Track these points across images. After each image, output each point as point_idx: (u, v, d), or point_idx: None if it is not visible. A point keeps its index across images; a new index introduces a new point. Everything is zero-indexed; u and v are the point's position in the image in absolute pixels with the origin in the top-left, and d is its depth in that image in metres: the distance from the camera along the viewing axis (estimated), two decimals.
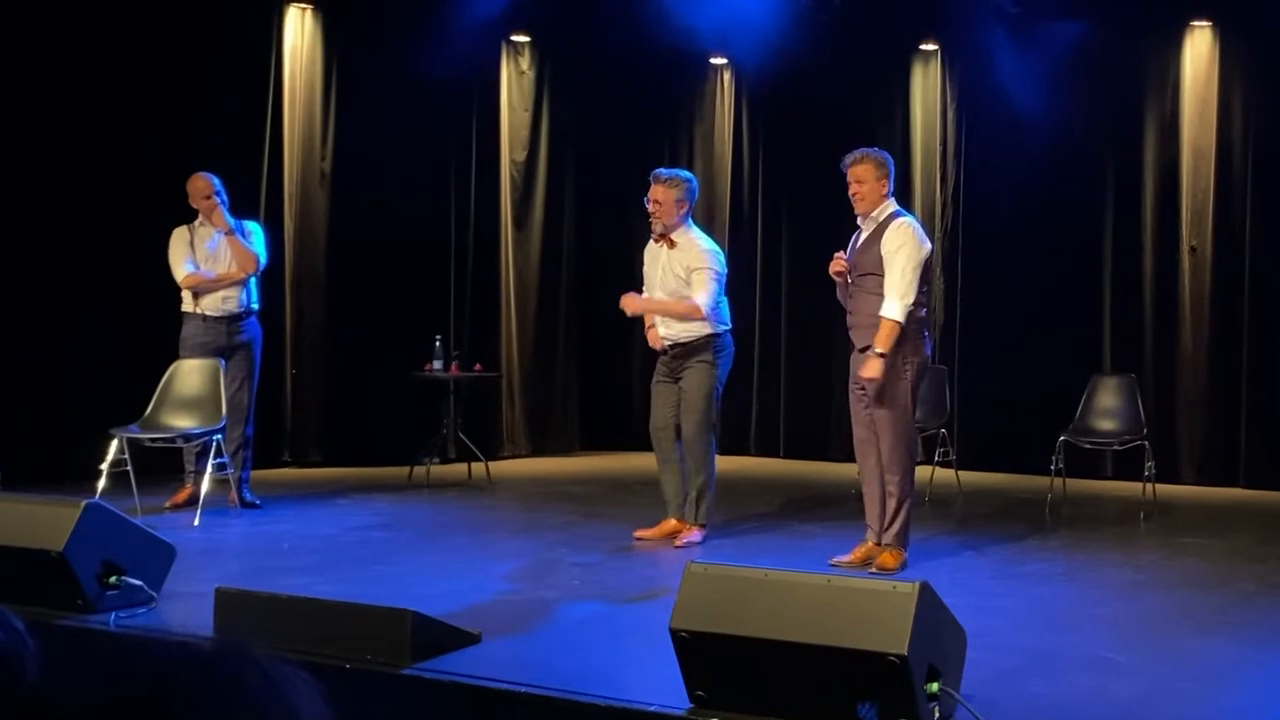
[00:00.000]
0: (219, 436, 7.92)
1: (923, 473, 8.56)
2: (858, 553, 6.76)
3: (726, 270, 7.46)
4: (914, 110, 11.11)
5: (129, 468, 7.64)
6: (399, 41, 10.34)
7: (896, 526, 6.63)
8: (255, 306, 8.39)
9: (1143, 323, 10.33)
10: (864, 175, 6.66)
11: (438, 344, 9.89)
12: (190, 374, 8.10)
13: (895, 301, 6.46)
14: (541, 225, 11.53)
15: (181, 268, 8.15)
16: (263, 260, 8.35)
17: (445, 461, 10.23)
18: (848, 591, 4.13)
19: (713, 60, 11.79)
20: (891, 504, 6.62)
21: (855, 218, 6.81)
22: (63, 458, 8.61)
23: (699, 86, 11.92)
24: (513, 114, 11.34)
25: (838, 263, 6.74)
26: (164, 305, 8.40)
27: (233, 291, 8.23)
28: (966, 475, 9.69)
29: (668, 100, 11.89)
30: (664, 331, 7.36)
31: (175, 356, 8.19)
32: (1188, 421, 10.16)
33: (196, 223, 8.25)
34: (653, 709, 4.24)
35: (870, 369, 6.44)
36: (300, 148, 10.23)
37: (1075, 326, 10.45)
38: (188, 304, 8.21)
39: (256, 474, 8.59)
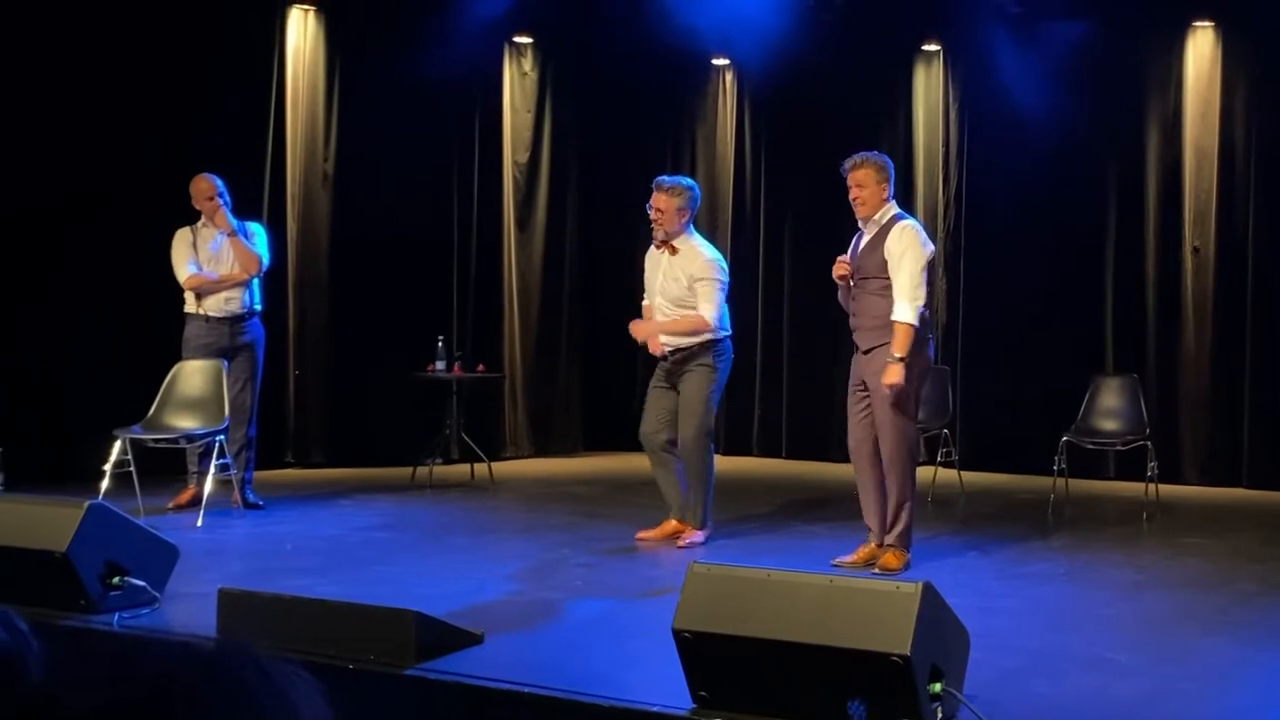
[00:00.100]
0: (222, 437, 7.92)
1: (925, 473, 8.57)
2: (860, 553, 6.77)
3: (729, 277, 7.47)
4: (916, 111, 11.10)
5: (132, 468, 7.64)
6: (401, 43, 10.35)
7: (899, 527, 6.64)
8: (258, 307, 8.39)
9: (1145, 323, 10.32)
10: (864, 180, 6.67)
11: (440, 345, 9.90)
12: (193, 375, 8.11)
13: (906, 305, 6.47)
14: (544, 226, 11.53)
15: (184, 269, 8.15)
16: (265, 261, 8.35)
17: (448, 462, 10.23)
18: (850, 592, 4.13)
19: (715, 61, 11.79)
20: (893, 505, 6.63)
21: (856, 219, 6.82)
22: (65, 459, 8.62)
23: (701, 87, 11.92)
24: (515, 115, 11.34)
25: (841, 266, 6.75)
26: (165, 306, 8.41)
27: (235, 292, 8.23)
28: (969, 475, 9.69)
29: (670, 101, 11.89)
30: (664, 338, 7.36)
31: (177, 357, 8.20)
32: (1190, 422, 10.16)
33: (199, 224, 8.25)
34: (655, 709, 4.25)
35: (891, 375, 6.44)
36: (303, 149, 10.23)
37: (1078, 327, 10.44)
38: (190, 305, 8.22)
39: (259, 475, 8.60)
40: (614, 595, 6.19)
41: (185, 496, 8.16)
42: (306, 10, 10.24)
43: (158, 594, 5.52)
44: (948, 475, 9.46)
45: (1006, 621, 5.60)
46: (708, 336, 7.31)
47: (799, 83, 11.16)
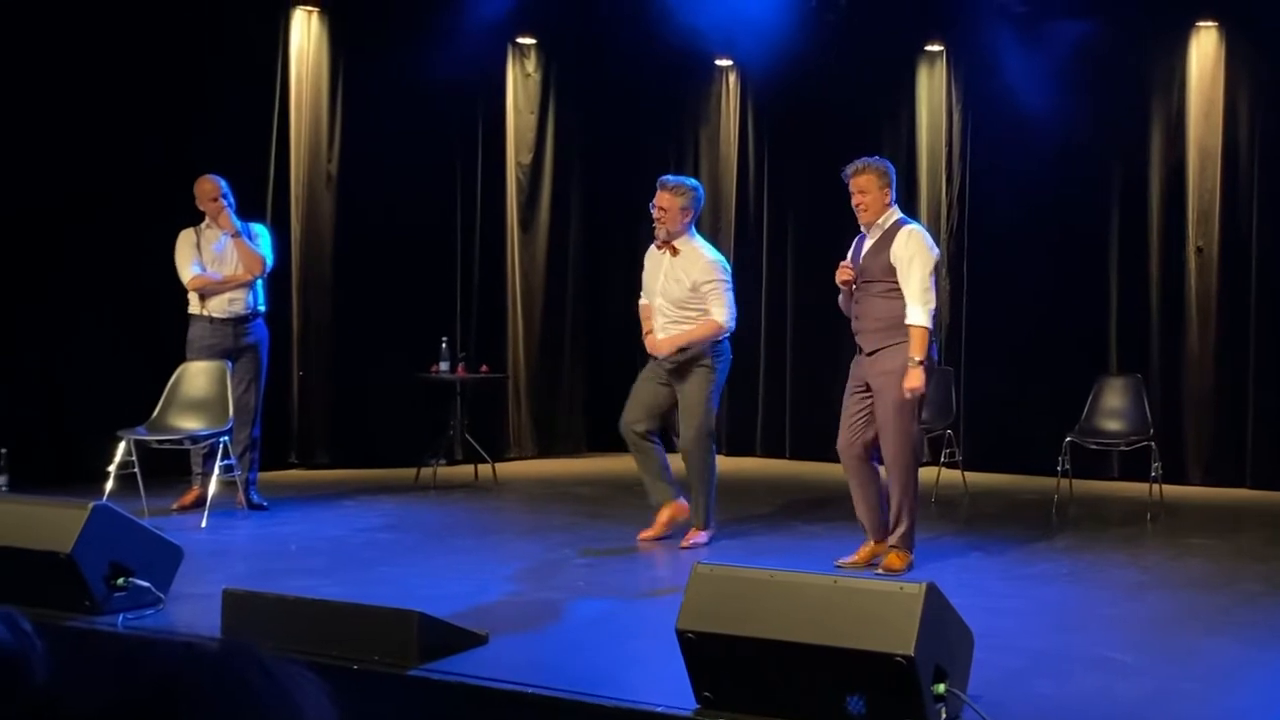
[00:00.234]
0: (226, 438, 7.93)
1: (929, 474, 8.57)
2: (861, 553, 6.78)
3: (732, 276, 7.48)
4: (919, 111, 11.10)
5: (136, 469, 7.65)
6: (405, 44, 10.35)
7: (902, 528, 6.64)
8: (262, 308, 8.40)
9: (1149, 323, 10.32)
10: (867, 185, 6.68)
11: (444, 346, 9.90)
12: (197, 376, 8.12)
13: (919, 308, 6.50)
14: (547, 227, 11.54)
15: (188, 270, 8.16)
16: (269, 262, 8.36)
17: (452, 463, 10.24)
18: (854, 592, 4.14)
19: (718, 62, 11.79)
20: (896, 505, 6.63)
21: (859, 223, 6.83)
22: (69, 460, 8.63)
23: (704, 88, 11.92)
24: (518, 116, 11.35)
25: (844, 272, 6.75)
26: (167, 306, 8.42)
27: (239, 293, 8.24)
28: (973, 476, 9.68)
29: (673, 102, 11.89)
30: (664, 338, 7.34)
31: (180, 358, 8.20)
32: (1194, 422, 10.15)
33: (203, 225, 8.26)
34: (659, 710, 4.25)
35: (914, 379, 6.46)
36: (307, 150, 10.24)
37: (1081, 327, 10.44)
38: (194, 306, 8.23)
39: (263, 476, 8.61)
40: (618, 596, 6.19)
41: (189, 497, 8.16)
42: (310, 11, 10.25)
43: (162, 595, 5.52)
44: (951, 476, 9.45)
45: (1010, 622, 5.60)
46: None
47: (802, 83, 11.15)
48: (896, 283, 6.59)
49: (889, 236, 6.65)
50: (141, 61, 9.14)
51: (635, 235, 10.38)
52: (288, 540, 7.45)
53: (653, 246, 7.53)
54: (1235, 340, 10.03)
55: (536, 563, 6.90)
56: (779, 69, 11.12)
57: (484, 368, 10.31)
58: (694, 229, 7.48)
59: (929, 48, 11.05)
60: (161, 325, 8.60)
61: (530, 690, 4.44)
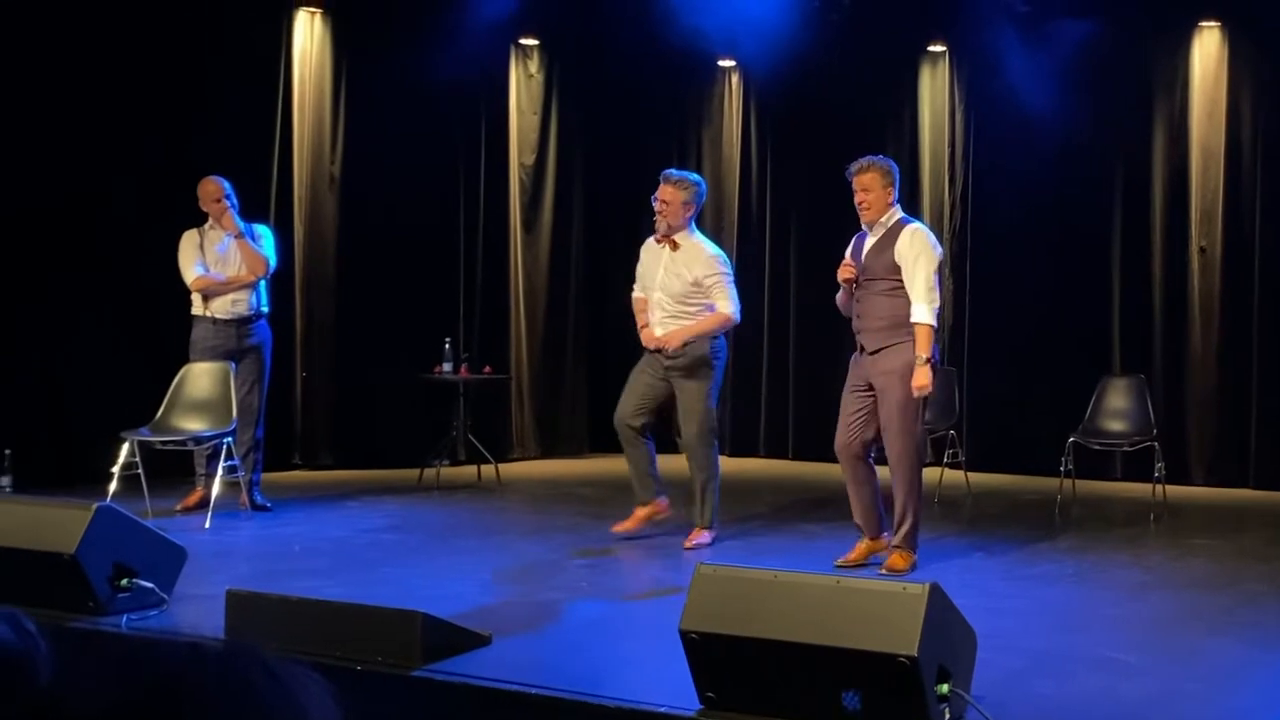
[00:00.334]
0: (229, 439, 7.93)
1: (931, 474, 8.57)
2: (858, 550, 6.78)
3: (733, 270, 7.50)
4: (922, 111, 11.10)
5: (140, 470, 7.66)
6: (408, 45, 10.36)
7: (906, 527, 6.64)
8: (265, 310, 8.41)
9: (1152, 324, 10.32)
10: (870, 184, 6.68)
11: (447, 346, 9.91)
12: (201, 377, 8.12)
13: (925, 306, 6.51)
14: (550, 228, 11.55)
15: (191, 271, 8.17)
16: (272, 263, 8.36)
17: (455, 464, 10.24)
18: (857, 593, 4.14)
19: (721, 62, 11.80)
20: (900, 505, 6.63)
21: (861, 221, 6.83)
22: (73, 461, 8.63)
23: (707, 89, 11.92)
24: (521, 117, 11.35)
25: (847, 269, 6.75)
26: (169, 307, 8.42)
27: (242, 295, 8.25)
28: (975, 476, 9.68)
29: (676, 103, 11.90)
30: (661, 333, 7.34)
31: (183, 359, 8.21)
32: (1197, 422, 10.15)
33: (206, 226, 8.26)
34: (662, 710, 4.25)
35: (920, 377, 6.47)
36: (310, 151, 10.25)
37: (1084, 327, 10.44)
38: (197, 307, 8.23)
39: (267, 477, 8.61)
40: (621, 596, 6.20)
41: (193, 498, 8.17)
42: (313, 13, 10.26)
43: (166, 596, 5.53)
44: (954, 476, 9.45)
45: (1013, 622, 5.60)
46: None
47: (805, 84, 11.15)
48: (899, 281, 6.59)
49: (892, 235, 6.65)
50: (143, 62, 9.15)
51: (638, 235, 10.32)
52: (291, 541, 7.45)
53: (651, 239, 7.53)
54: (1238, 340, 10.03)
55: (540, 563, 6.91)
56: (781, 69, 11.12)
57: (487, 368, 10.32)
58: (694, 225, 7.48)
59: (931, 48, 11.05)
60: (162, 325, 8.61)
61: (533, 691, 4.44)
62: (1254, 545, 7.75)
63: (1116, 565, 7.08)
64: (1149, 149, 10.33)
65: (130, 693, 1.04)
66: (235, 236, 8.19)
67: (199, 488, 8.22)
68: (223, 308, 8.21)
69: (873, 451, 6.80)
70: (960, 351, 10.74)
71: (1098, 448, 9.15)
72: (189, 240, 8.23)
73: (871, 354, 6.67)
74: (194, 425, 8.01)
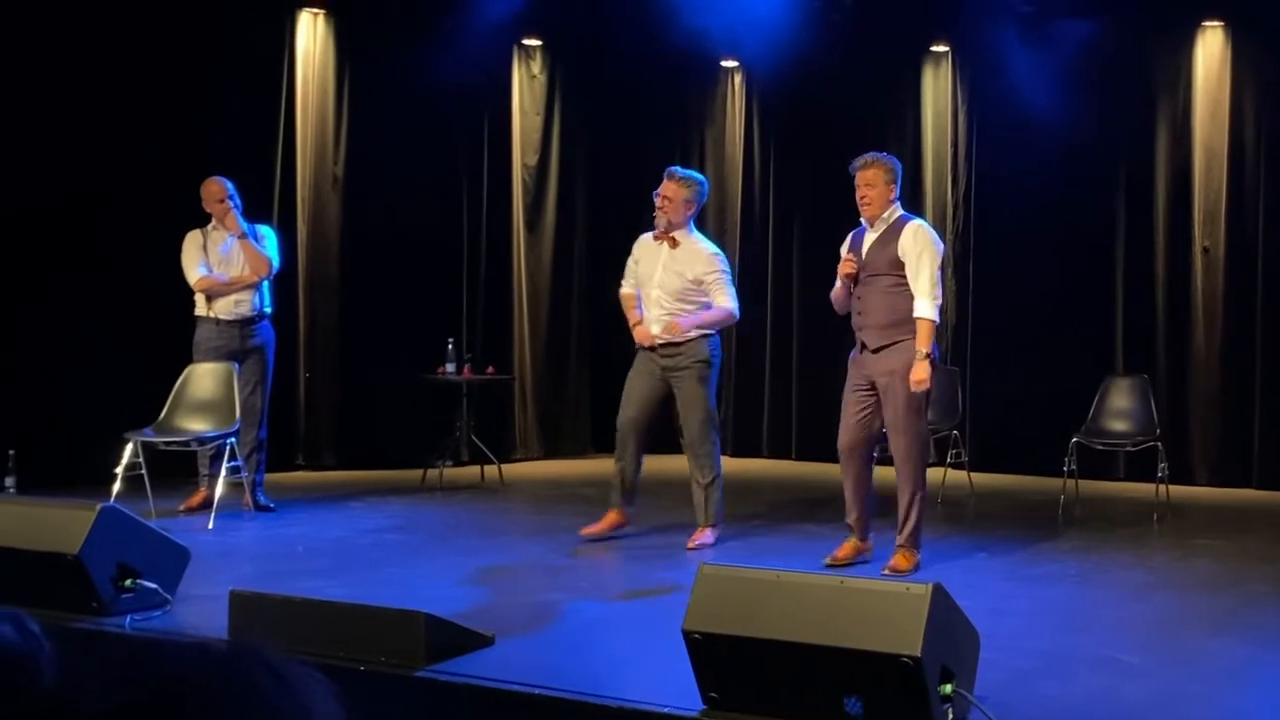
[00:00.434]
0: (233, 440, 7.94)
1: (935, 474, 8.55)
2: (845, 549, 6.79)
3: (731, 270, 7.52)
4: (924, 111, 11.10)
5: (143, 471, 7.67)
6: (411, 46, 10.36)
7: (909, 528, 6.64)
8: (268, 310, 8.41)
9: (1155, 324, 10.31)
10: (873, 180, 6.68)
11: (450, 347, 9.91)
12: (204, 378, 8.13)
13: (928, 302, 6.51)
14: (553, 228, 11.55)
15: (194, 271, 8.17)
16: (275, 264, 8.37)
17: (458, 464, 10.25)
18: (861, 593, 4.14)
19: (723, 63, 11.80)
20: (904, 504, 6.63)
21: (861, 218, 6.83)
22: (76, 462, 8.63)
23: (710, 89, 11.93)
24: (524, 117, 11.36)
25: (848, 264, 6.74)
26: (170, 307, 8.42)
27: (246, 295, 8.25)
28: (979, 476, 9.68)
29: (679, 103, 11.90)
30: (657, 330, 7.34)
31: (186, 360, 8.21)
32: (1200, 422, 10.14)
33: (210, 226, 8.27)
34: (666, 710, 4.25)
35: (919, 371, 6.47)
36: (313, 152, 10.26)
37: (1087, 327, 10.43)
38: (201, 308, 8.24)
39: (270, 477, 8.61)
40: (624, 596, 6.20)
41: (196, 499, 8.18)
42: (316, 14, 10.27)
43: (169, 596, 5.54)
44: (957, 476, 9.45)
45: (1016, 622, 5.60)
46: (707, 331, 7.32)
47: (807, 84, 11.15)
48: (902, 277, 6.59)
49: (894, 231, 6.65)
50: (145, 62, 9.16)
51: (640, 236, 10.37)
52: (294, 541, 7.46)
53: (647, 236, 7.53)
54: (1242, 340, 10.02)
55: (542, 563, 6.91)
56: (784, 69, 11.12)
57: (490, 369, 10.32)
58: (693, 224, 7.48)
59: (934, 48, 11.04)
60: (162, 326, 8.61)
61: (537, 691, 4.45)
62: (1258, 546, 7.74)
63: (1120, 566, 7.08)
64: (1152, 149, 10.33)
65: (134, 693, 1.04)
66: (238, 237, 8.20)
67: (202, 488, 8.22)
68: (226, 308, 8.21)
69: (876, 451, 6.80)
70: (963, 352, 10.73)
71: (1101, 448, 9.14)
72: (192, 241, 8.24)
73: (874, 352, 6.66)
74: (197, 426, 8.02)
